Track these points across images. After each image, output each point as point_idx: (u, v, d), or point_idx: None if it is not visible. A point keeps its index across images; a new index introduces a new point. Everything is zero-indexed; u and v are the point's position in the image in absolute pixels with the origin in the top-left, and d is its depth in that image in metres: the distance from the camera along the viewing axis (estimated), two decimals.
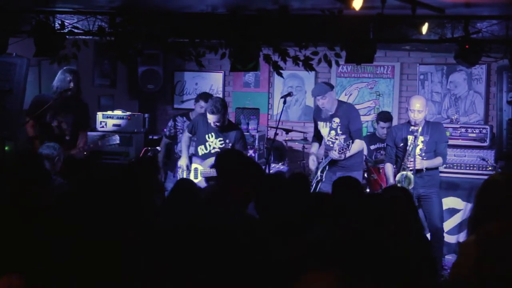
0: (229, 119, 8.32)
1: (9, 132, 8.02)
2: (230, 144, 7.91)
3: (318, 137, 8.46)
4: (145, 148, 8.99)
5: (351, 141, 7.83)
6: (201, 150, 8.07)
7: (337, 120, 8.05)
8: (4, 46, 7.55)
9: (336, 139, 8.04)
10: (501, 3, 6.49)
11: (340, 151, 7.79)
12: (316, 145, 8.50)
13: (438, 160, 7.90)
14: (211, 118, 7.85)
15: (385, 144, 8.96)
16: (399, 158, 7.99)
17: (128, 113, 9.55)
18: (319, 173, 8.04)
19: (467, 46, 6.87)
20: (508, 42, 6.93)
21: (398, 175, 7.76)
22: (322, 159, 8.22)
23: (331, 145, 8.06)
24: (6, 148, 7.94)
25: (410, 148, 7.72)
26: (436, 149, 7.91)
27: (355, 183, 5.68)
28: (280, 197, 4.37)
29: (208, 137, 8.00)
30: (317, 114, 8.35)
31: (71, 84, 8.07)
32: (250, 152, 7.93)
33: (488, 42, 7.06)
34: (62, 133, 8.11)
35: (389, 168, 8.04)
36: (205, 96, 8.82)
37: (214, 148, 7.98)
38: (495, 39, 7.05)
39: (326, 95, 8.00)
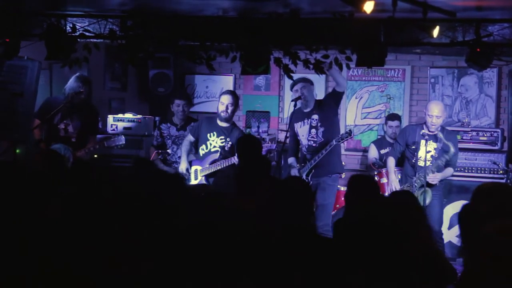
0: (234, 121, 8.35)
1: (20, 135, 8.05)
2: (230, 143, 7.94)
3: (295, 148, 8.25)
4: (156, 151, 9.01)
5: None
6: (202, 150, 8.11)
7: (316, 117, 7.93)
8: (16, 49, 7.58)
9: (316, 137, 7.95)
10: None
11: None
12: (293, 160, 8.24)
13: (449, 172, 7.97)
14: (225, 100, 7.97)
15: None
16: (407, 159, 8.10)
17: (138, 116, 9.58)
18: (304, 176, 7.91)
19: (478, 50, 6.85)
20: None
21: (418, 193, 7.76)
22: (306, 162, 8.02)
23: (314, 145, 7.94)
24: (18, 151, 7.96)
25: (428, 164, 7.75)
26: (447, 161, 7.94)
27: (372, 182, 5.68)
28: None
29: (210, 136, 8.05)
30: (293, 116, 8.12)
31: (82, 95, 8.10)
32: None
33: (499, 45, 7.05)
34: (67, 135, 8.15)
35: (391, 162, 8.16)
36: (179, 94, 8.98)
37: (214, 146, 8.03)
38: (507, 43, 7.04)
39: (308, 84, 7.96)
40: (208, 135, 8.08)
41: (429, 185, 7.81)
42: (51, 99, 8.48)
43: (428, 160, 7.85)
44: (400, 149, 8.15)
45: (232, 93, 8.16)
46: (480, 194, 4.01)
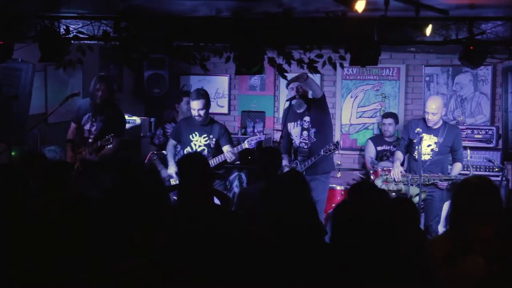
0: (212, 117, 8.39)
1: (15, 137, 8.06)
2: (214, 140, 8.00)
3: (288, 145, 8.32)
4: (151, 152, 9.02)
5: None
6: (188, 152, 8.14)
7: (307, 119, 8.02)
8: (10, 52, 7.57)
9: (308, 139, 8.01)
10: (505, 4, 6.47)
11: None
12: (285, 157, 8.22)
13: (458, 168, 8.02)
14: (195, 105, 8.00)
15: (391, 146, 9.06)
16: (410, 153, 8.30)
17: (134, 117, 9.58)
18: None
19: (471, 48, 6.86)
20: None
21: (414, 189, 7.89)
22: (296, 163, 8.09)
23: (305, 147, 8.02)
24: (13, 153, 7.98)
25: (428, 158, 7.86)
26: (454, 156, 8.03)
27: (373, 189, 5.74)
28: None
29: (192, 137, 8.11)
30: (287, 115, 8.19)
31: (100, 93, 8.14)
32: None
33: (493, 43, 7.04)
34: (89, 136, 8.25)
35: (398, 154, 8.35)
36: (184, 92, 9.01)
37: (200, 146, 8.10)
38: (500, 40, 7.03)
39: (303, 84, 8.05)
40: (190, 136, 8.13)
41: (436, 186, 7.93)
42: (80, 101, 8.54)
43: (428, 154, 7.93)
44: (405, 144, 8.29)
45: (199, 95, 8.08)
46: (462, 188, 4.04)
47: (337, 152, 8.00)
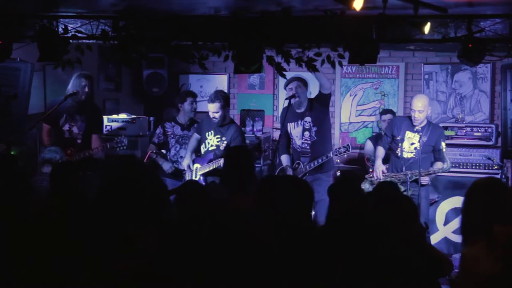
0: (232, 118, 8.43)
1: (15, 137, 8.05)
2: (225, 142, 8.05)
3: (287, 144, 8.29)
4: (151, 151, 9.00)
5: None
6: (202, 149, 8.33)
7: (308, 119, 8.02)
8: (8, 51, 7.56)
9: (310, 139, 8.01)
10: (504, 1, 6.47)
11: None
12: (286, 157, 8.26)
13: (439, 166, 7.96)
14: (210, 108, 8.10)
15: None
16: (392, 150, 8.22)
17: (133, 116, 9.58)
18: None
19: (470, 45, 6.85)
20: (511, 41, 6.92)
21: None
22: (299, 164, 8.06)
23: (307, 147, 8.01)
24: (12, 153, 7.97)
25: (411, 156, 7.86)
26: (436, 156, 8.01)
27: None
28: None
29: (208, 135, 8.23)
30: (286, 115, 8.09)
31: (86, 89, 8.13)
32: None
33: (492, 41, 7.04)
34: (72, 137, 8.19)
35: (379, 151, 8.28)
36: (189, 92, 9.03)
37: (212, 145, 8.20)
38: (498, 38, 7.03)
39: (302, 84, 8.04)
40: (207, 134, 8.24)
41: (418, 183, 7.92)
42: (51, 101, 8.47)
43: (411, 152, 7.93)
44: (388, 141, 8.26)
45: (215, 98, 8.12)
46: (475, 189, 4.00)
47: (345, 155, 8.05)
